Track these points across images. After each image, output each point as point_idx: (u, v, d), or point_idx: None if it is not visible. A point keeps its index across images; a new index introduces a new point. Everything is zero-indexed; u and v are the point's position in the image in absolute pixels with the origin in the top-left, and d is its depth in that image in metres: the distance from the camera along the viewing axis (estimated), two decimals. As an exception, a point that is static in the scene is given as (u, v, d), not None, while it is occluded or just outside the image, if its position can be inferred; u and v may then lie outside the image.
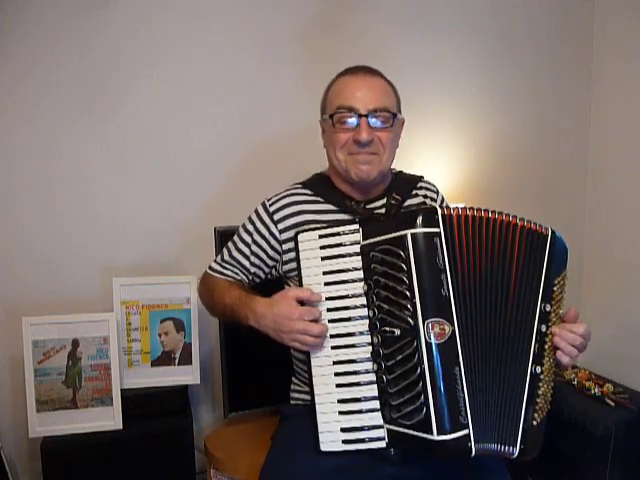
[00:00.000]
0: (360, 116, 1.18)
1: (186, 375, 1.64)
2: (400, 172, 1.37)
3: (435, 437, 0.97)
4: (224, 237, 1.50)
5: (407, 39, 1.96)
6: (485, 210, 1.07)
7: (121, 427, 1.51)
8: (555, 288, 1.09)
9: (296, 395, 1.32)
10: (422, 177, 1.39)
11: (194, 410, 1.72)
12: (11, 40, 1.58)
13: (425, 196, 1.35)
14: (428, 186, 1.38)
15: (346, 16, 1.88)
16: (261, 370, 1.61)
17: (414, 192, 1.33)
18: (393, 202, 1.25)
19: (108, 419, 1.51)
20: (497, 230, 1.06)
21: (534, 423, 1.05)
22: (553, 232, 1.11)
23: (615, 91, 2.16)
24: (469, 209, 1.06)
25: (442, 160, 2.03)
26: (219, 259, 1.34)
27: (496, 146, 2.14)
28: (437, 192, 1.40)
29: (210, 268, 1.34)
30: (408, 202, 1.30)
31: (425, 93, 1.99)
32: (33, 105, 1.61)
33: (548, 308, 1.07)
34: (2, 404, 1.66)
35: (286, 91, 1.82)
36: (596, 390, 1.79)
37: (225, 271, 1.31)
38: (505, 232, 1.07)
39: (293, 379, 1.35)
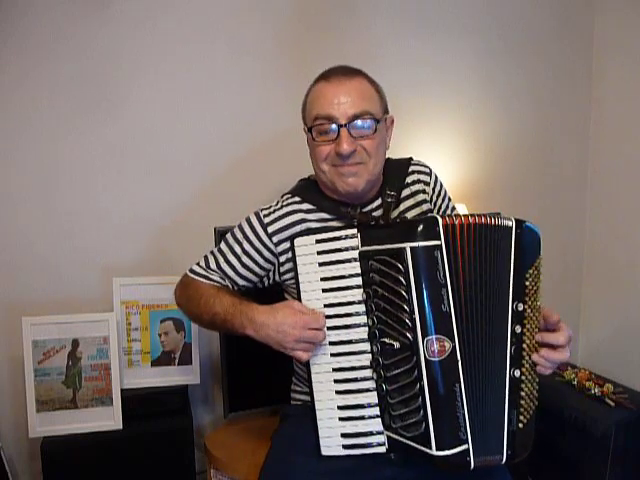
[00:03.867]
0: (340, 126, 1.11)
1: (186, 375, 1.64)
2: (388, 160, 1.27)
3: (434, 452, 0.96)
4: (224, 237, 1.50)
5: (407, 40, 1.96)
6: (474, 215, 1.02)
7: (121, 427, 1.51)
8: (527, 283, 1.03)
9: (296, 395, 1.32)
10: (411, 159, 1.32)
11: (194, 410, 1.72)
12: (11, 42, 1.58)
13: (418, 181, 1.28)
14: (419, 168, 1.31)
15: (343, 15, 1.88)
16: (261, 370, 1.61)
17: (406, 181, 1.27)
18: (389, 200, 1.19)
19: (108, 419, 1.52)
20: (474, 234, 1.01)
21: (520, 426, 1.02)
22: (520, 222, 1.04)
23: (615, 91, 2.16)
24: (466, 216, 1.01)
25: (442, 160, 2.03)
26: (203, 264, 1.24)
27: (496, 146, 2.14)
28: (429, 173, 1.32)
29: (192, 272, 1.24)
30: (402, 194, 1.25)
31: (424, 93, 2.00)
32: (33, 106, 1.61)
33: (521, 307, 1.02)
34: (2, 404, 1.66)
35: (286, 91, 1.82)
36: (596, 390, 1.79)
37: (211, 276, 1.22)
38: (478, 234, 1.01)
39: (293, 379, 1.35)
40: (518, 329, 1.03)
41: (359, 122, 1.12)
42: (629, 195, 2.12)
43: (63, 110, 1.64)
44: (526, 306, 1.03)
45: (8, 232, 1.63)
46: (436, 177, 1.33)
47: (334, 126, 1.12)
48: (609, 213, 2.22)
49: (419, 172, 1.30)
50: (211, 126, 1.77)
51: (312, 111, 1.16)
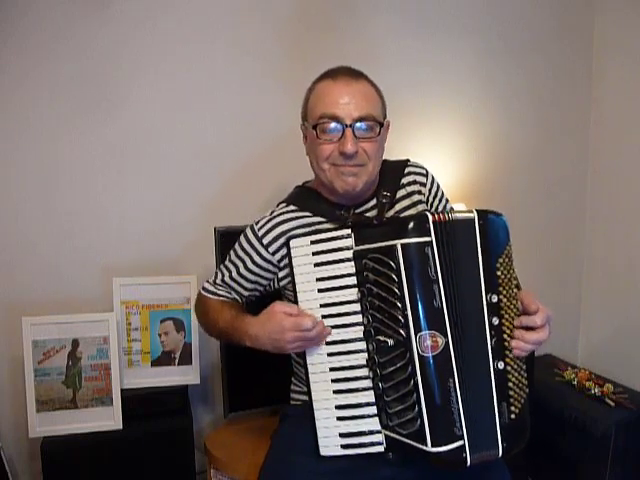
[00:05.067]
0: (345, 126, 1.12)
1: (186, 375, 1.64)
2: (385, 161, 1.27)
3: (429, 448, 0.97)
4: (224, 237, 1.51)
5: (407, 40, 1.96)
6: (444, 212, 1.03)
7: (121, 427, 1.51)
8: (499, 272, 1.03)
9: (296, 396, 1.32)
10: (407, 160, 1.33)
11: (194, 410, 1.72)
12: (11, 42, 1.58)
13: (414, 182, 1.28)
14: (416, 170, 1.31)
15: (343, 15, 1.88)
16: (261, 370, 1.61)
17: (401, 182, 1.28)
18: (384, 201, 1.21)
19: (108, 419, 1.52)
20: (458, 229, 1.02)
21: (512, 417, 1.02)
22: (482, 213, 1.03)
23: (615, 91, 2.16)
24: (445, 213, 1.02)
25: (442, 160, 2.03)
26: (211, 280, 1.31)
27: (496, 146, 2.14)
28: (426, 174, 1.32)
29: (203, 289, 1.32)
30: (398, 194, 1.26)
31: (424, 93, 2.00)
32: (33, 106, 1.61)
33: (495, 299, 1.02)
34: (2, 404, 1.66)
35: (286, 91, 1.82)
36: (596, 390, 1.79)
37: (218, 291, 1.29)
38: (450, 229, 1.01)
39: (293, 379, 1.35)
40: (495, 321, 1.02)
41: (363, 125, 1.13)
42: (629, 195, 2.12)
43: (63, 110, 1.64)
44: (501, 296, 1.03)
45: (8, 232, 1.63)
46: (432, 178, 1.33)
47: (339, 126, 1.13)
48: (609, 213, 2.22)
49: (415, 173, 1.31)
50: (211, 126, 1.77)
51: (316, 109, 1.16)
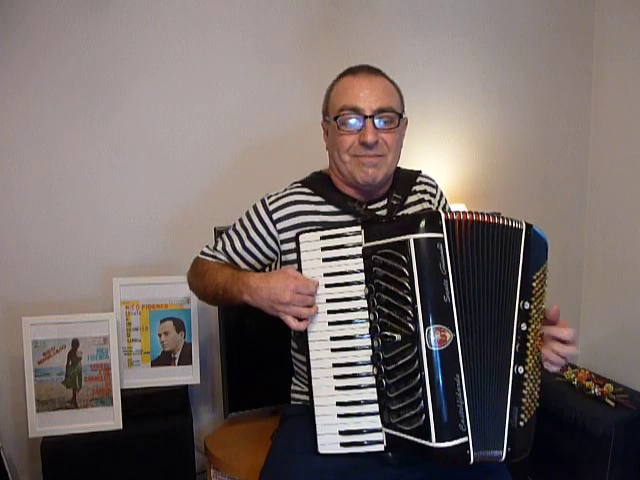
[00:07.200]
0: (365, 117, 1.16)
1: (186, 375, 1.64)
2: (398, 169, 1.32)
3: (434, 444, 0.96)
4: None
5: (407, 39, 1.96)
6: (479, 213, 1.06)
7: (121, 427, 1.51)
8: (534, 284, 1.06)
9: (296, 395, 1.32)
10: (420, 171, 1.37)
11: (194, 410, 1.73)
12: (11, 41, 1.58)
13: (424, 191, 1.33)
14: (427, 180, 1.36)
15: (346, 15, 1.88)
16: (261, 370, 1.61)
17: (413, 189, 1.32)
18: (394, 202, 1.24)
19: (108, 419, 1.52)
20: (487, 232, 1.05)
21: (521, 424, 1.03)
22: (529, 226, 1.08)
23: (615, 91, 2.16)
24: (469, 213, 1.05)
25: (442, 160, 2.03)
26: (212, 246, 1.32)
27: (496, 146, 2.14)
28: (436, 187, 1.37)
29: (202, 253, 1.33)
30: (409, 200, 1.29)
31: (425, 93, 2.00)
32: (33, 105, 1.61)
33: (527, 306, 1.05)
34: (2, 404, 1.66)
35: (285, 91, 1.82)
36: (596, 390, 1.79)
37: (218, 255, 1.30)
38: (486, 232, 1.05)
39: (293, 379, 1.35)
40: (524, 327, 1.05)
41: (383, 115, 1.17)
42: (629, 195, 2.12)
43: (63, 110, 1.64)
44: (532, 306, 1.06)
45: (8, 232, 1.63)
46: (442, 192, 1.38)
47: (359, 117, 1.16)
48: (609, 213, 2.22)
49: (427, 184, 1.35)
50: (211, 126, 1.77)
51: (338, 103, 1.20)
